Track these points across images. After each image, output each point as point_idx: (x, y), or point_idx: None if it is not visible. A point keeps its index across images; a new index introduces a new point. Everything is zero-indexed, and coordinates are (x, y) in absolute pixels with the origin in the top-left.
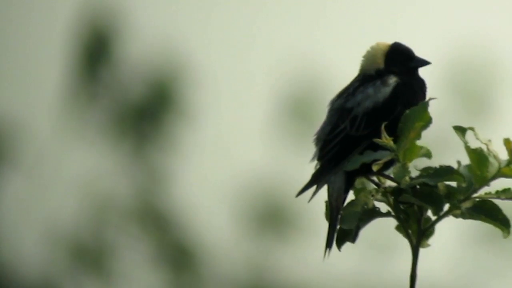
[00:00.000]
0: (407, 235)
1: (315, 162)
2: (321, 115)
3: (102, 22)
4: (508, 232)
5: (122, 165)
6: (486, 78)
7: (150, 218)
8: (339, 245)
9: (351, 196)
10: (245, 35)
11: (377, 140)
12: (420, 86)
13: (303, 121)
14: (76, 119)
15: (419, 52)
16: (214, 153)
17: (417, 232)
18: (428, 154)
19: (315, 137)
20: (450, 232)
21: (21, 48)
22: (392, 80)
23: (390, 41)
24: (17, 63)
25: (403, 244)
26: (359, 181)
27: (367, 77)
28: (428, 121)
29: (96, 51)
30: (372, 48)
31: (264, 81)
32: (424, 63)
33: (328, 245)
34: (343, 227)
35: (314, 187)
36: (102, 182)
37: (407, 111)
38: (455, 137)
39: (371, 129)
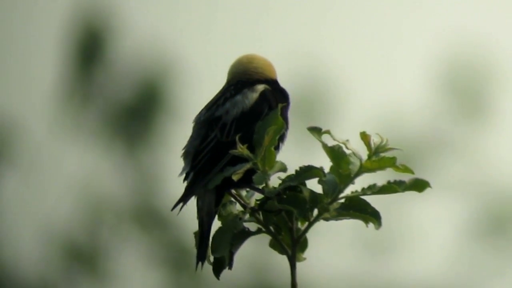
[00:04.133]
0: (281, 248)
1: (185, 174)
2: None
3: (96, 23)
4: (380, 224)
5: (116, 164)
6: (482, 77)
7: (145, 217)
8: (217, 275)
9: (218, 223)
10: (236, 33)
11: (232, 151)
12: (284, 95)
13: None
14: (71, 119)
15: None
16: None
17: (291, 243)
18: (283, 169)
19: (183, 151)
20: (449, 231)
21: (16, 49)
22: (260, 87)
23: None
24: (12, 63)
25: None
26: (225, 208)
27: (236, 87)
28: (281, 127)
29: (90, 51)
30: (241, 59)
31: None
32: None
33: (200, 259)
34: (215, 256)
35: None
36: (97, 182)
37: (260, 121)
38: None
39: (241, 134)
